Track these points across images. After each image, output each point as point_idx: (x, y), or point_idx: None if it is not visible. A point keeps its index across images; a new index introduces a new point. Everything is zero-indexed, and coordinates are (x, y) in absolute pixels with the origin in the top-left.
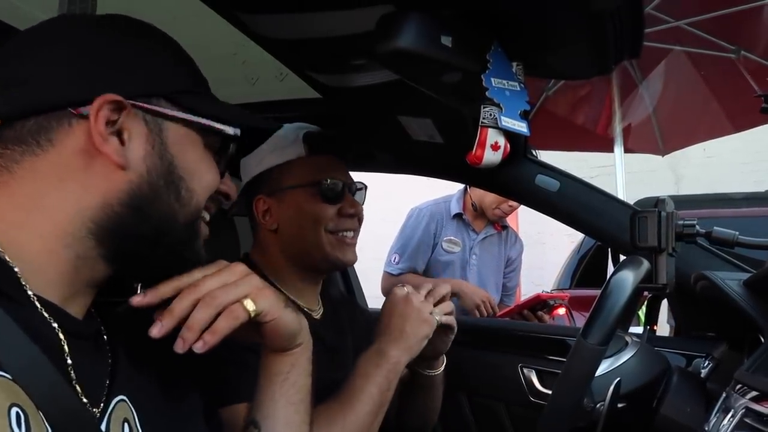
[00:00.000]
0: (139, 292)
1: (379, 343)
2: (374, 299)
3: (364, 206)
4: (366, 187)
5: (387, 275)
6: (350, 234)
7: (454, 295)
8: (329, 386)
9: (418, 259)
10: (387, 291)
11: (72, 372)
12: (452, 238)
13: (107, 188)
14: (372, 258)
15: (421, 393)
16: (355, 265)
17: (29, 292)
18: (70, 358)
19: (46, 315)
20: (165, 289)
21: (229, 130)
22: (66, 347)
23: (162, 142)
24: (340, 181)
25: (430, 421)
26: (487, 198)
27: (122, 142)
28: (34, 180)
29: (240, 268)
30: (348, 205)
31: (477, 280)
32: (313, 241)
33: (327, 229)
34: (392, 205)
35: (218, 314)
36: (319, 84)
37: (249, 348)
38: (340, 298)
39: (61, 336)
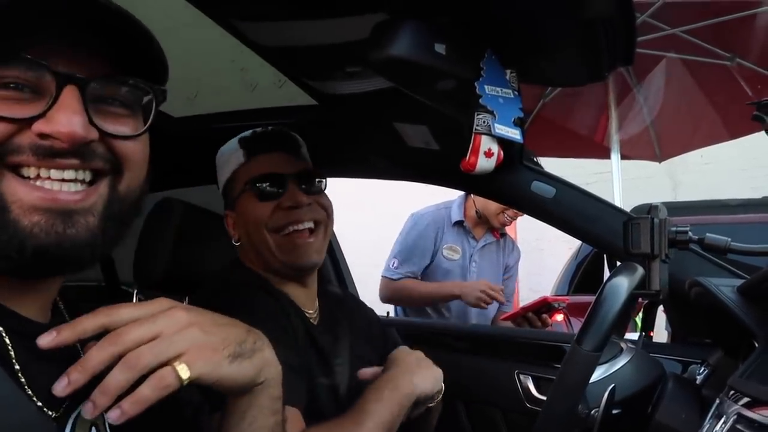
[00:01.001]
0: (135, 299)
1: (399, 370)
2: (372, 305)
3: (361, 213)
4: (325, 179)
5: (387, 281)
6: (299, 228)
7: (456, 297)
8: (323, 392)
9: (415, 263)
10: (386, 296)
11: (21, 376)
12: (453, 245)
13: None
14: (370, 264)
15: (419, 421)
16: (352, 271)
17: None
18: (18, 362)
19: None
20: (85, 326)
21: None
22: (11, 350)
23: None
24: (278, 175)
25: None
26: (491, 205)
27: None
28: None
29: (179, 315)
30: (286, 199)
31: None
32: (262, 245)
33: (269, 229)
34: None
35: (143, 376)
36: (316, 91)
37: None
38: (339, 297)
39: (6, 339)
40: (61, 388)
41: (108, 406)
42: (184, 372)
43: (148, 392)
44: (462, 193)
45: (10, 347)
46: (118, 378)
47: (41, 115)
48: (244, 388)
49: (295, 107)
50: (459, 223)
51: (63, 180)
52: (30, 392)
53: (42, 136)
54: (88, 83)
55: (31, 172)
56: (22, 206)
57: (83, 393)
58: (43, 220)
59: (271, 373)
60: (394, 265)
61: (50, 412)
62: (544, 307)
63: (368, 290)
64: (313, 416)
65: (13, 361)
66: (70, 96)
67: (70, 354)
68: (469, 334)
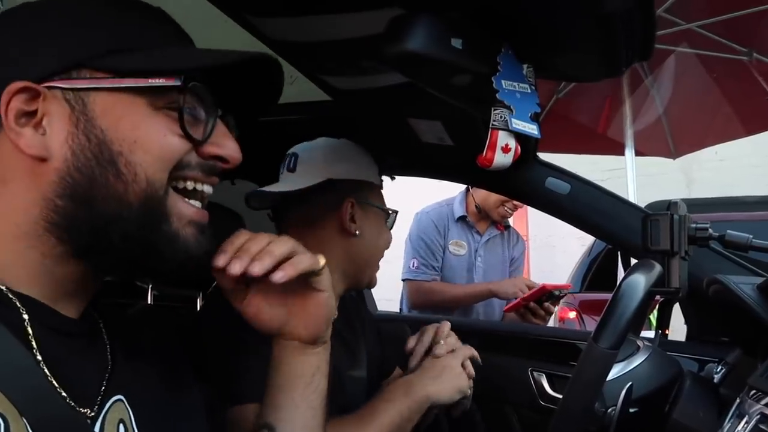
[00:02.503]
0: (149, 296)
1: (418, 376)
2: (383, 302)
3: None
4: (397, 212)
5: (413, 283)
6: None
7: (493, 295)
8: (351, 383)
9: (435, 258)
10: (416, 301)
11: (46, 370)
12: (458, 240)
13: (40, 183)
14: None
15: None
16: None
17: (6, 292)
18: (50, 360)
19: (22, 312)
20: (244, 246)
21: (170, 80)
22: (35, 346)
23: (87, 118)
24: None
25: None
26: (490, 198)
27: (45, 131)
28: None
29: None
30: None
31: (482, 281)
32: (376, 258)
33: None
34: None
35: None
36: (330, 86)
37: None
38: (349, 300)
39: (30, 331)
40: (222, 258)
41: (271, 267)
42: (322, 260)
43: (303, 259)
44: (462, 188)
45: (33, 341)
46: (279, 248)
47: (207, 139)
48: (325, 330)
49: (309, 103)
50: (462, 219)
51: (202, 197)
52: (58, 386)
53: (210, 156)
54: (229, 116)
55: (194, 185)
56: (181, 219)
57: (115, 388)
58: (194, 232)
59: (329, 335)
60: (415, 265)
61: (80, 408)
62: (544, 295)
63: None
64: (342, 408)
65: (35, 352)
66: (222, 125)
67: (99, 350)
68: (483, 330)
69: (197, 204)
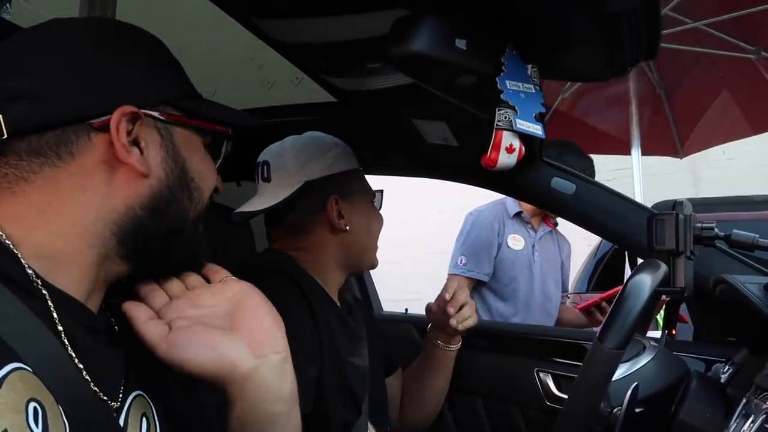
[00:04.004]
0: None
1: None
2: (390, 302)
3: (381, 211)
4: (382, 192)
5: (459, 279)
6: None
7: None
8: (353, 371)
9: (483, 259)
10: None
11: (80, 364)
12: (515, 235)
13: (129, 194)
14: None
15: (437, 369)
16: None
17: (38, 286)
18: (79, 352)
19: (52, 308)
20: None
21: (224, 129)
22: (66, 340)
23: (174, 146)
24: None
25: (436, 407)
26: None
27: (141, 151)
28: (55, 189)
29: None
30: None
31: (540, 276)
32: (372, 244)
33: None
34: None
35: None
36: (334, 88)
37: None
38: (353, 302)
39: (59, 325)
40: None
41: None
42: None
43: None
44: None
45: (62, 332)
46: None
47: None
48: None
49: (314, 104)
50: (518, 215)
51: None
52: (87, 377)
53: (215, 189)
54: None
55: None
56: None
57: (135, 383)
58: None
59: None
60: (462, 262)
61: (107, 400)
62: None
63: (385, 287)
64: (344, 394)
65: (65, 343)
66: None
67: (118, 346)
68: (488, 331)
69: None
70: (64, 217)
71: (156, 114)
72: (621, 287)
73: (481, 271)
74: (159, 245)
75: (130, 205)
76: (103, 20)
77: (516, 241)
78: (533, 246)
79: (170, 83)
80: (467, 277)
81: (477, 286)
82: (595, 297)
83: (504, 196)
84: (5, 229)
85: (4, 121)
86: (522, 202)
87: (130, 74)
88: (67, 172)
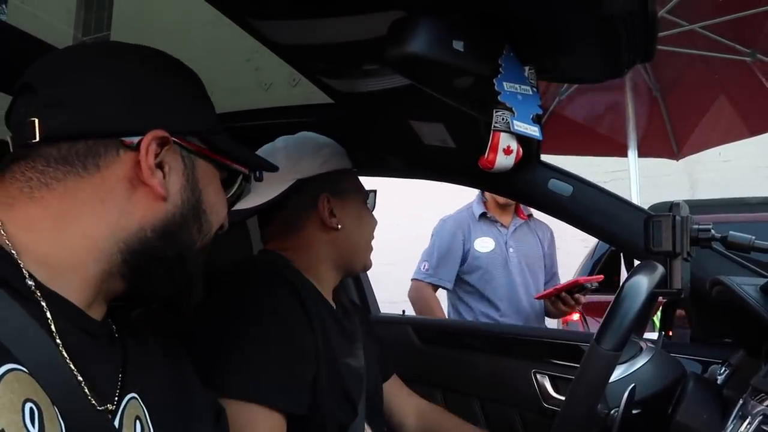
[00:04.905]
0: None
1: None
2: (387, 304)
3: (377, 213)
4: (375, 192)
5: (418, 283)
6: None
7: None
8: (349, 372)
9: (446, 266)
10: (414, 297)
11: (74, 367)
12: (483, 237)
13: (145, 215)
14: (385, 263)
15: None
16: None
17: (36, 290)
18: (74, 355)
19: (48, 312)
20: None
21: (241, 167)
22: (60, 343)
23: (194, 176)
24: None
25: None
26: None
27: (164, 175)
28: (74, 199)
29: None
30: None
31: (519, 271)
32: (365, 244)
33: (371, 237)
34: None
35: None
36: (332, 89)
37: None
38: (350, 304)
39: (54, 329)
40: None
41: None
42: None
43: None
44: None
45: (56, 336)
46: None
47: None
48: None
49: (311, 106)
50: (483, 216)
51: None
52: (82, 381)
53: (221, 226)
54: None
55: None
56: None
57: (130, 386)
58: None
59: None
60: (425, 267)
61: (102, 403)
62: (576, 287)
63: (382, 289)
64: (340, 395)
65: (60, 347)
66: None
67: (116, 350)
68: (486, 332)
69: None
70: (77, 228)
71: (184, 143)
72: (575, 280)
73: (443, 277)
74: (160, 268)
75: (143, 226)
76: (151, 49)
77: (485, 243)
78: (506, 243)
79: (201, 116)
80: (429, 283)
81: (458, 293)
82: (552, 288)
83: (472, 199)
84: (12, 234)
85: (39, 125)
86: (488, 202)
87: (168, 101)
88: (90, 182)
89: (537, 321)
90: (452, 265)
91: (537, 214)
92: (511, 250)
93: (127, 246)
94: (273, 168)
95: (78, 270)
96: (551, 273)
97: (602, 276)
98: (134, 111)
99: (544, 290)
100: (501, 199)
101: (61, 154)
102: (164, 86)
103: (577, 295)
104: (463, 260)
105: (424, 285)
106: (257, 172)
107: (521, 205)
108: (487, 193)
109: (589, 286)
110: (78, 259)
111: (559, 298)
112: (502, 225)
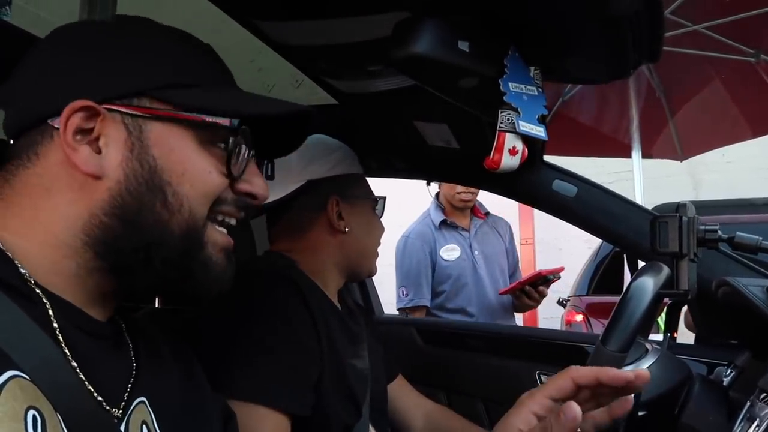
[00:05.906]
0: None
1: None
2: (390, 306)
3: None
4: (385, 198)
5: (412, 311)
6: None
7: None
8: (354, 372)
9: (421, 285)
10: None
11: (79, 371)
12: (448, 245)
13: (89, 198)
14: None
15: None
16: None
17: (38, 292)
18: (80, 358)
19: (51, 315)
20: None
21: (224, 121)
22: (65, 346)
23: (142, 144)
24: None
25: None
26: (443, 189)
27: (99, 150)
28: (26, 193)
29: None
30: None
31: (487, 273)
32: (371, 250)
33: (378, 243)
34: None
35: None
36: (335, 90)
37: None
38: (355, 306)
39: (60, 336)
40: None
41: None
42: None
43: None
44: (432, 197)
45: (60, 337)
46: None
47: (240, 177)
48: None
49: (315, 107)
50: (443, 223)
51: (228, 225)
52: (88, 384)
53: (242, 193)
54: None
55: (230, 220)
56: (215, 246)
57: (139, 390)
58: (223, 258)
59: None
60: (404, 293)
61: (108, 408)
62: (539, 279)
63: (384, 290)
64: (344, 396)
65: (63, 348)
66: (254, 165)
67: (124, 352)
68: (490, 333)
69: (224, 230)
70: (38, 224)
71: (120, 107)
72: (537, 272)
73: (423, 297)
74: (138, 260)
75: (93, 211)
76: (89, 21)
77: (450, 251)
78: (471, 246)
79: (150, 73)
80: (414, 307)
81: (433, 308)
82: (516, 282)
83: (427, 208)
84: (1, 236)
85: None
86: (445, 207)
87: (89, 66)
88: (34, 173)
89: (505, 317)
90: (427, 281)
91: (492, 209)
92: (476, 252)
93: (90, 238)
94: (275, 109)
95: (56, 267)
96: (513, 267)
97: (563, 267)
98: (52, 88)
99: (509, 284)
100: (458, 202)
101: (15, 150)
102: (86, 52)
103: (541, 288)
104: (433, 272)
105: (410, 311)
106: (269, 170)
107: (477, 204)
108: (442, 198)
109: (551, 277)
110: (50, 256)
111: (524, 292)
112: (463, 229)
